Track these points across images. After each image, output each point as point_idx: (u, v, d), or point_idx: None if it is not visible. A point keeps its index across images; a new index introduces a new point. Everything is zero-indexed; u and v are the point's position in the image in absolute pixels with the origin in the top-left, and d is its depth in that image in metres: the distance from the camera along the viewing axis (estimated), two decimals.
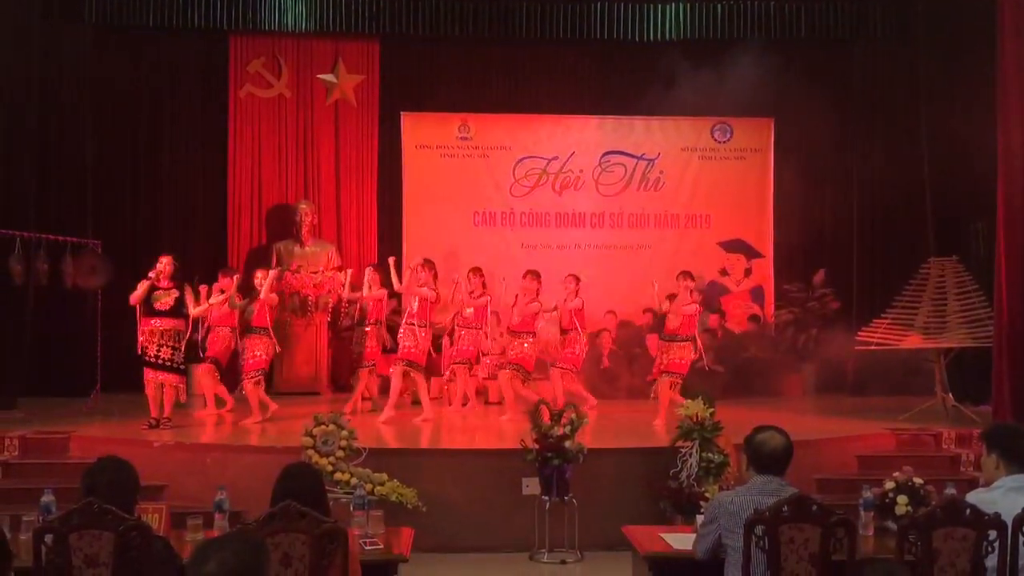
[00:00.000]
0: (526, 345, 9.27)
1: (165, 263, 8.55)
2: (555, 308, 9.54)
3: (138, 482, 3.81)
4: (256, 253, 11.69)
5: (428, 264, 9.21)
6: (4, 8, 10.22)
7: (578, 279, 9.45)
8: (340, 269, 11.46)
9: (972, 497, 4.00)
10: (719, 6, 11.87)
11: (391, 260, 9.65)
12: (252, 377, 8.85)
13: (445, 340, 10.05)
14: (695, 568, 4.07)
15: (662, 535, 4.58)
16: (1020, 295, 8.41)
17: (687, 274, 9.05)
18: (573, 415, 7.02)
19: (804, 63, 12.39)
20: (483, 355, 9.83)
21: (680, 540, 4.40)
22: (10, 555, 2.63)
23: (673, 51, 12.23)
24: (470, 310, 9.37)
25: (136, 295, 8.51)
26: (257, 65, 12.13)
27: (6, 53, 10.25)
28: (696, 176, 12.45)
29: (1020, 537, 3.78)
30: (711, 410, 7.24)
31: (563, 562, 6.84)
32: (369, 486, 6.72)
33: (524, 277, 9.34)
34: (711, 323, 11.31)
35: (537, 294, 9.30)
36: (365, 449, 7.09)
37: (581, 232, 12.34)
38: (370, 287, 9.40)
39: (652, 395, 9.15)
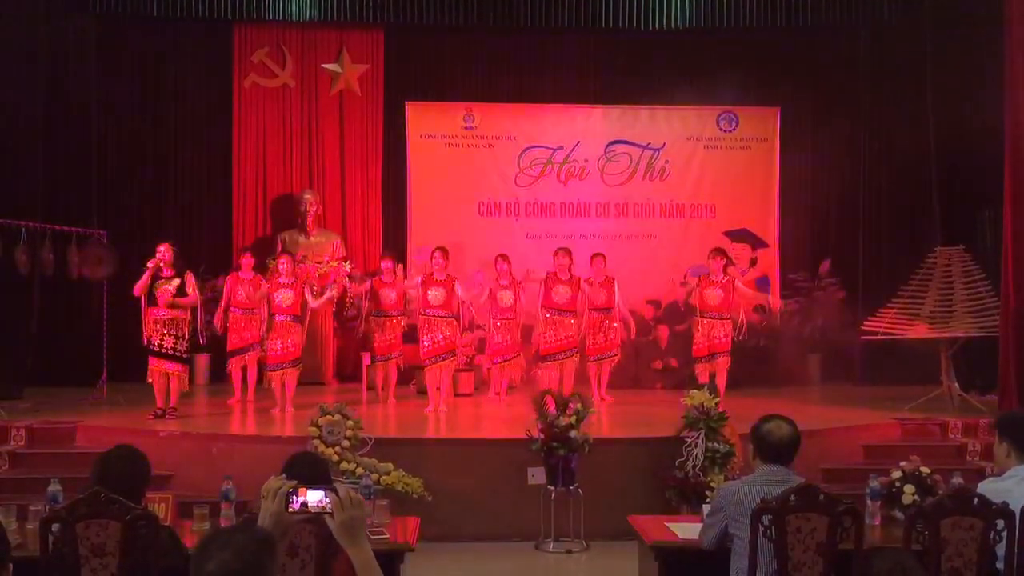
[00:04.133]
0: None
1: (164, 250, 8.54)
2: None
3: (149, 474, 3.82)
4: (261, 243, 11.68)
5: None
6: None
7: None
8: (344, 259, 11.48)
9: (984, 486, 3.99)
10: None
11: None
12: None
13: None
14: (701, 558, 4.07)
15: (668, 525, 4.58)
16: None
17: (720, 251, 9.53)
18: (579, 405, 7.01)
19: (810, 52, 12.33)
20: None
21: (686, 530, 4.40)
22: (7, 544, 2.61)
23: (678, 40, 12.21)
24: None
25: (139, 285, 8.52)
26: (261, 55, 12.10)
27: (12, 43, 10.24)
28: (701, 165, 12.41)
29: None
30: (716, 400, 7.25)
31: (569, 552, 6.86)
32: (375, 476, 6.72)
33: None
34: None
35: None
36: (371, 439, 7.10)
37: (586, 222, 12.30)
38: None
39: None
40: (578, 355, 9.58)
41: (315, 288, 9.84)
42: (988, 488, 3.92)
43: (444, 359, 9.14)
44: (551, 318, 9.47)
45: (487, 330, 9.85)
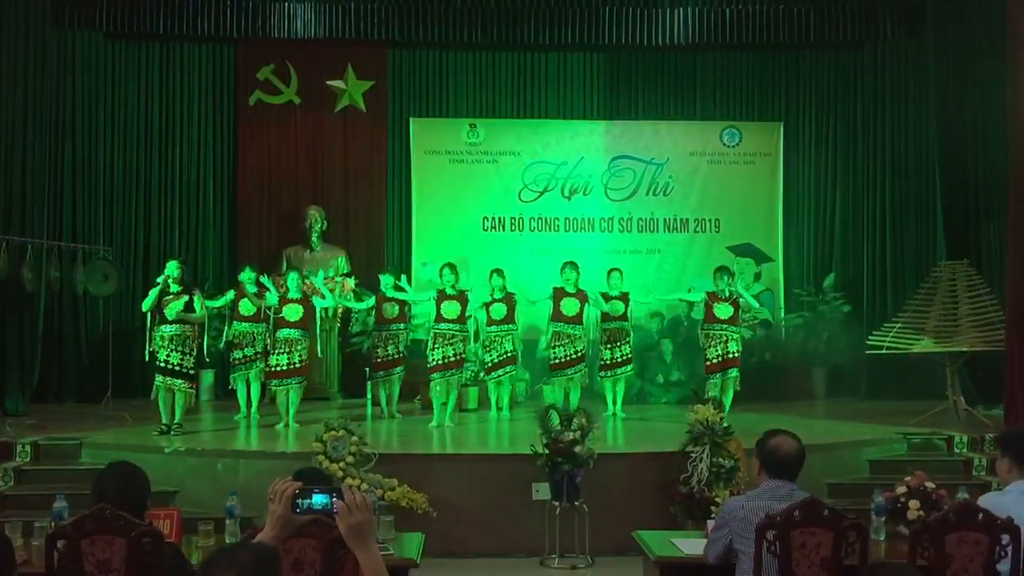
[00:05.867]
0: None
1: (173, 268, 8.60)
2: None
3: (148, 487, 3.82)
4: (266, 258, 11.70)
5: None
6: (17, 17, 10.28)
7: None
8: (349, 275, 11.50)
9: (985, 500, 3.99)
10: (727, 10, 11.86)
11: None
12: None
13: None
14: (706, 573, 4.06)
15: (673, 540, 4.57)
16: None
17: (724, 268, 9.63)
18: (583, 420, 7.01)
19: (813, 66, 12.40)
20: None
21: (691, 545, 4.39)
22: (14, 560, 2.63)
23: (682, 55, 12.28)
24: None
25: (147, 303, 8.55)
26: (267, 72, 12.15)
27: (20, 61, 10.31)
28: (705, 180, 12.42)
29: None
30: (721, 415, 7.24)
31: (574, 567, 6.84)
32: (379, 491, 6.73)
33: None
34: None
35: None
36: (375, 454, 7.10)
37: (591, 237, 12.33)
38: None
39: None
40: (586, 368, 9.60)
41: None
42: (988, 502, 3.92)
43: (453, 374, 9.18)
44: (560, 332, 9.48)
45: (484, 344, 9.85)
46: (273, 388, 9.03)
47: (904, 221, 11.74)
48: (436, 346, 9.16)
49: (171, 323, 8.48)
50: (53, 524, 4.23)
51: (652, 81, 12.40)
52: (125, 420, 9.18)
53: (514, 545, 7.04)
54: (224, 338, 9.43)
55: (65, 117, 11.38)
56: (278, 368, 8.98)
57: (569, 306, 9.48)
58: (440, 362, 9.13)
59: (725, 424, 7.18)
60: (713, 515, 5.25)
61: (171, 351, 8.46)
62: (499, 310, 9.42)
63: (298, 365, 9.00)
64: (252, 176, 12.16)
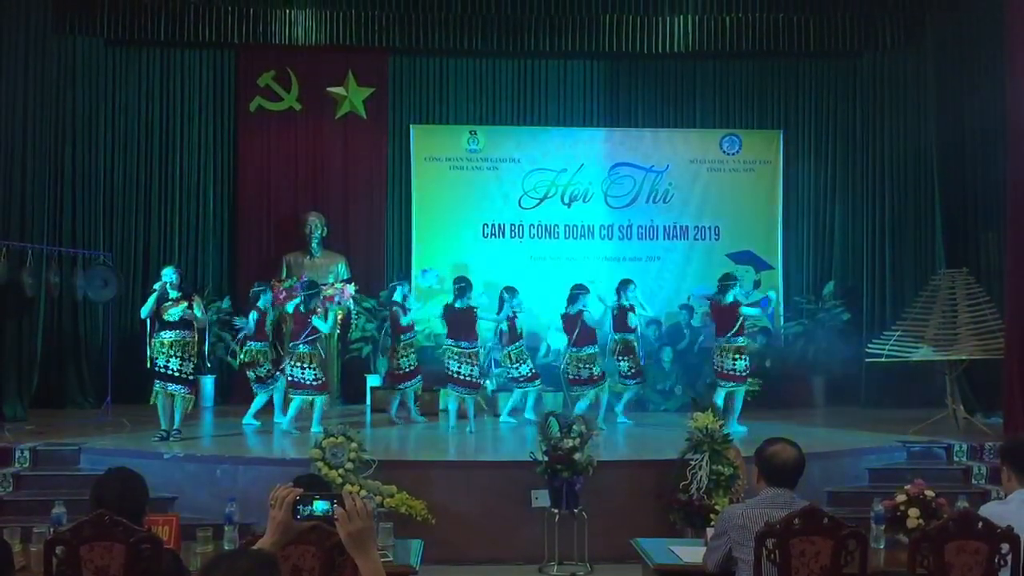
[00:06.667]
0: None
1: (169, 273, 8.60)
2: None
3: (147, 493, 3.82)
4: (266, 265, 11.71)
5: None
6: (18, 23, 10.29)
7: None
8: (349, 281, 11.50)
9: (987, 509, 4.01)
10: (727, 19, 11.90)
11: None
12: None
13: None
14: None
15: (672, 548, 4.57)
16: None
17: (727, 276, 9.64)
18: (582, 427, 7.01)
19: (812, 75, 12.43)
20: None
21: (690, 553, 4.39)
22: (12, 565, 2.63)
23: (682, 63, 12.31)
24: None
25: (146, 308, 8.55)
26: (267, 78, 12.16)
27: (20, 67, 10.32)
28: (705, 188, 12.43)
29: None
30: (720, 422, 7.24)
31: (573, 575, 6.83)
32: (379, 498, 6.72)
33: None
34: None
35: None
36: (375, 461, 7.10)
37: (590, 244, 12.33)
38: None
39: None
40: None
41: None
42: (990, 511, 3.94)
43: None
44: (582, 355, 9.53)
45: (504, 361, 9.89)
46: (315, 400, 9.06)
47: (903, 229, 11.75)
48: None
49: (171, 329, 8.47)
50: (52, 530, 4.22)
51: (652, 89, 12.42)
52: (124, 426, 9.17)
53: (513, 552, 7.04)
54: (240, 358, 9.49)
55: (65, 123, 11.38)
56: (317, 382, 9.03)
57: (590, 329, 9.58)
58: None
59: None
60: (712, 523, 5.25)
61: (171, 357, 8.46)
62: (520, 325, 9.61)
63: (325, 376, 9.34)
64: (252, 182, 12.16)
